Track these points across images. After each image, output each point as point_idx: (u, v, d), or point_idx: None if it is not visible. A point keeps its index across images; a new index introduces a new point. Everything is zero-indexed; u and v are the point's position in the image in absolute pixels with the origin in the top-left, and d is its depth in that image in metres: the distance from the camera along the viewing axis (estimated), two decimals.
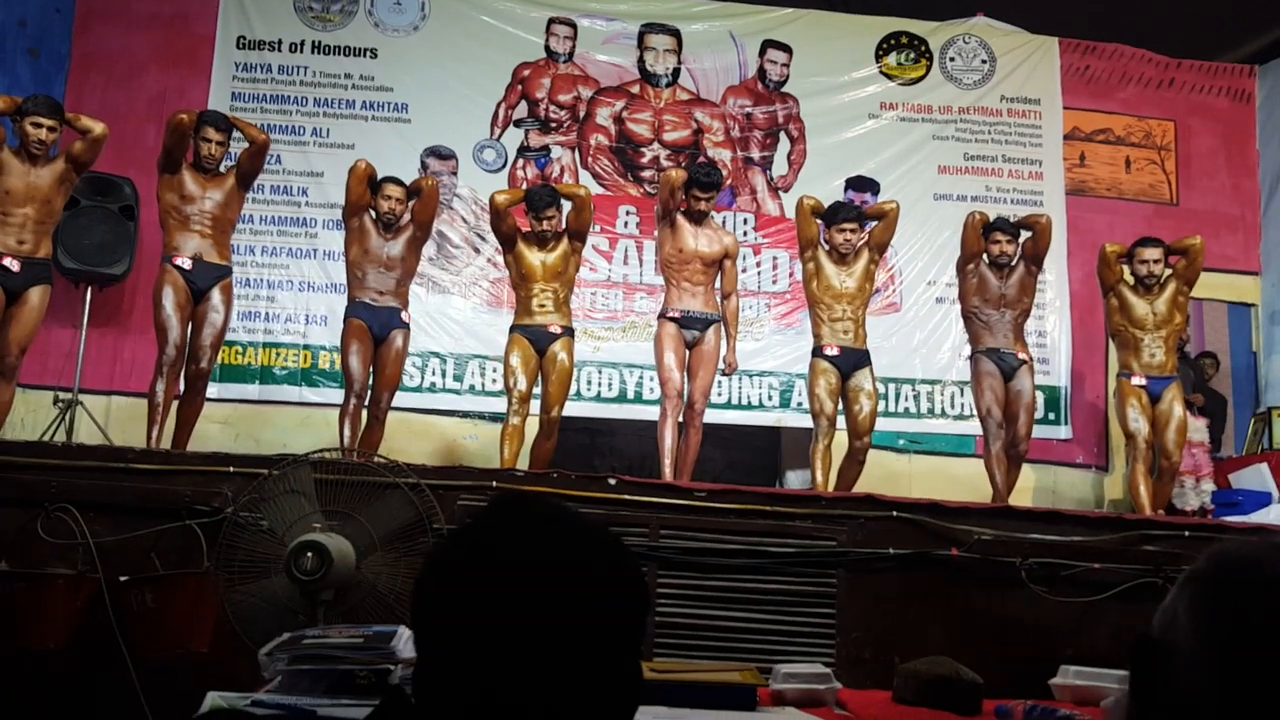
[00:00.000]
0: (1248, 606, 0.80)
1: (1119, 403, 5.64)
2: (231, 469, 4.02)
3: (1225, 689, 0.79)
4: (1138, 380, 5.54)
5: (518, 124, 7.44)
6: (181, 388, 5.12)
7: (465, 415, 6.98)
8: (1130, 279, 5.58)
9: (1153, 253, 5.52)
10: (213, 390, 5.72)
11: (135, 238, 6.30)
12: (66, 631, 3.60)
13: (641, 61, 7.66)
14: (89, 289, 6.23)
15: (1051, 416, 7.40)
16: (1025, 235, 5.62)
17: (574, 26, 7.61)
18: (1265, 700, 0.77)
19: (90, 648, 3.67)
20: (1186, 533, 4.51)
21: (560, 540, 0.95)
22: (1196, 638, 0.82)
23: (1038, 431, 6.15)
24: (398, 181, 5.33)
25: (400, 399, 5.59)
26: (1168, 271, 5.55)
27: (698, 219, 5.42)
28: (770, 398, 7.23)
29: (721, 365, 5.47)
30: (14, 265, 4.72)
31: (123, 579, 3.70)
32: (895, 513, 4.31)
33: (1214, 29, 7.94)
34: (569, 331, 5.38)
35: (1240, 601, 0.81)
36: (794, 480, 7.10)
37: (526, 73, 7.51)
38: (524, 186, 6.85)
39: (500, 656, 0.89)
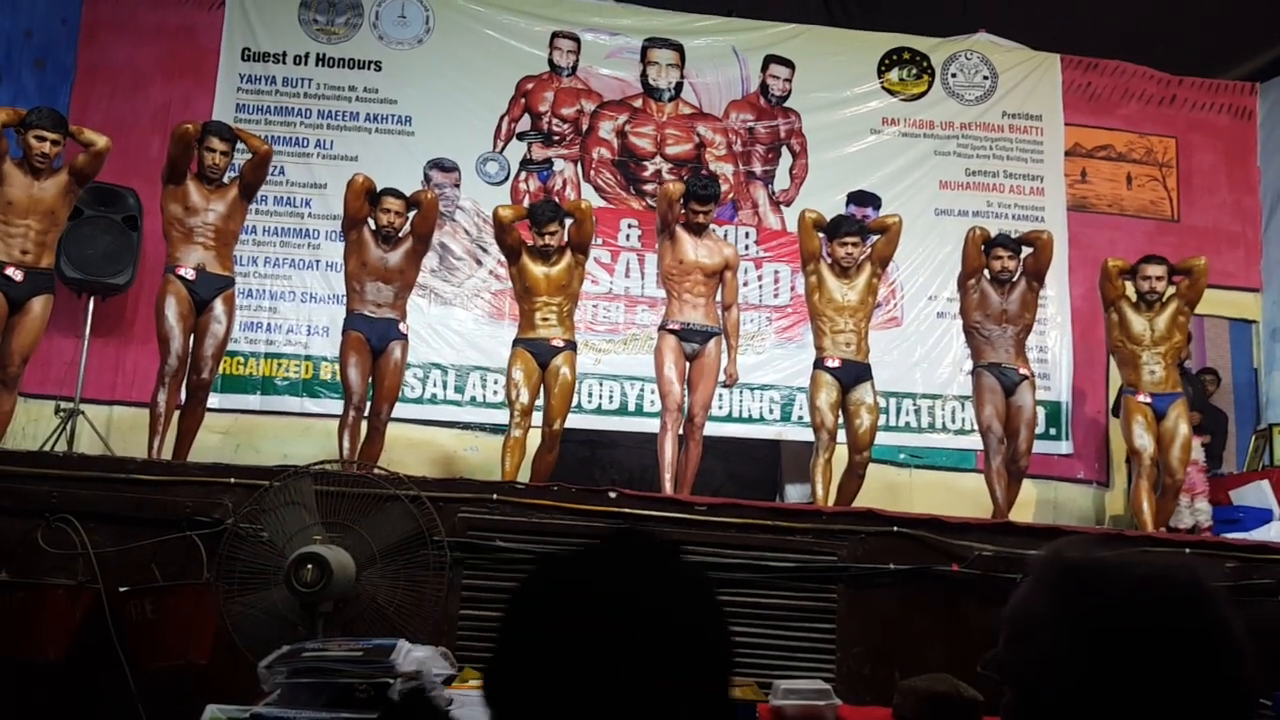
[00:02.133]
0: (1099, 589, 0.99)
1: (1125, 419, 5.63)
2: (232, 480, 4.02)
3: (1084, 659, 0.96)
4: (1143, 397, 5.54)
5: (520, 137, 7.46)
6: (183, 398, 5.13)
7: (466, 427, 6.98)
8: (1132, 295, 5.59)
9: (1156, 270, 5.53)
10: (214, 400, 5.73)
11: (138, 248, 6.31)
12: (66, 642, 3.59)
13: (644, 75, 7.69)
14: (91, 299, 6.24)
15: (1053, 432, 7.40)
16: (1027, 251, 5.63)
17: (577, 40, 7.64)
18: (1117, 669, 0.94)
19: (90, 658, 3.66)
20: (1188, 550, 4.50)
21: (659, 584, 0.97)
22: (1058, 620, 1.00)
23: (1039, 447, 6.15)
24: (397, 194, 5.34)
25: (401, 410, 5.59)
26: (1170, 290, 5.56)
27: (697, 231, 5.43)
28: (771, 411, 7.23)
29: (722, 377, 5.48)
30: (17, 275, 4.73)
31: (123, 589, 3.70)
32: (896, 528, 4.31)
33: (1215, 46, 7.97)
34: (571, 345, 5.38)
35: (1092, 585, 1.00)
36: (793, 494, 7.09)
37: (530, 86, 7.53)
38: (526, 200, 6.87)
39: (581, 690, 0.90)
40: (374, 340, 5.31)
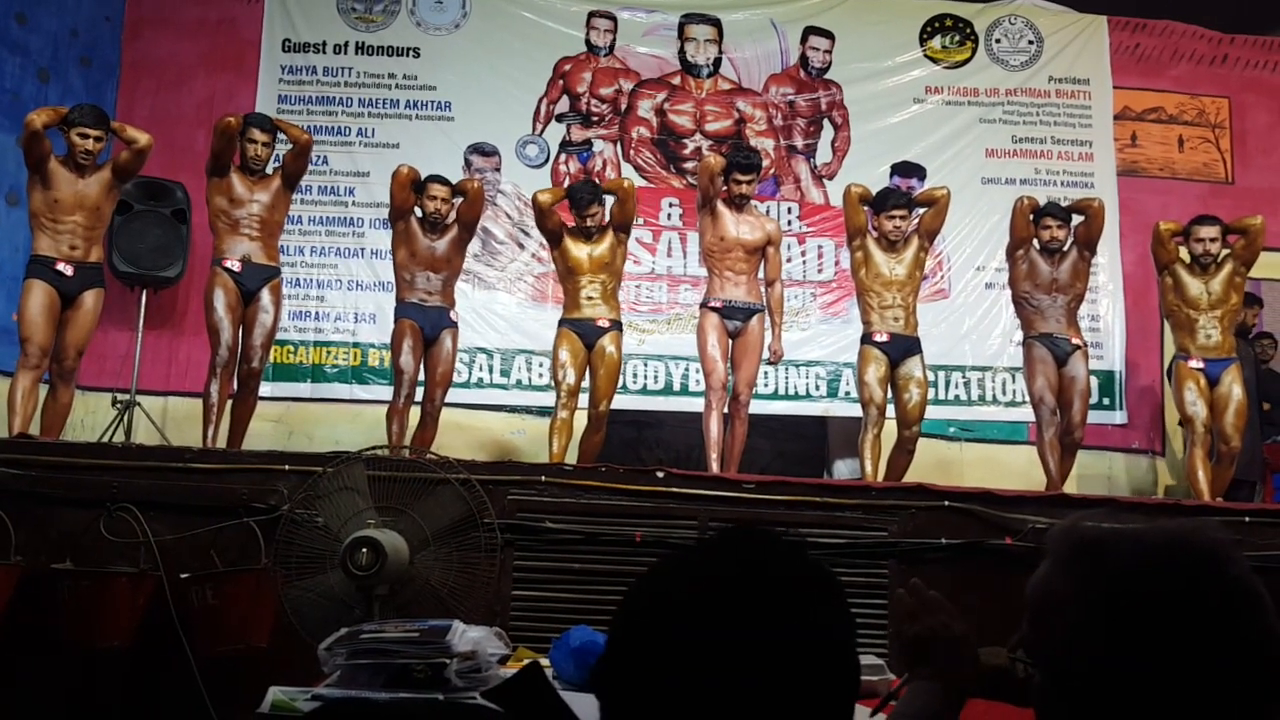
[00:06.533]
0: (1112, 560, 0.98)
1: (1176, 386, 5.53)
2: (286, 467, 4.09)
3: (1101, 634, 0.95)
4: (1195, 363, 5.42)
5: (560, 119, 7.46)
6: (235, 387, 5.21)
7: (513, 410, 7.02)
8: (1186, 258, 5.47)
9: (1209, 231, 5.40)
10: (265, 389, 5.81)
11: (188, 241, 6.40)
12: (132, 629, 3.68)
13: (682, 52, 7.63)
14: (144, 292, 6.34)
15: (1106, 402, 7.27)
16: (1077, 220, 5.52)
17: (614, 19, 7.60)
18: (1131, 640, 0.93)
19: (152, 644, 3.74)
20: (1246, 518, 4.41)
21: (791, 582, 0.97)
22: (1074, 596, 0.98)
23: (1092, 417, 6.04)
24: (443, 180, 5.38)
25: (448, 394, 5.64)
26: (1225, 251, 5.43)
27: (739, 205, 5.40)
28: (817, 387, 7.18)
29: (767, 354, 5.45)
30: (67, 270, 4.84)
31: (183, 576, 3.77)
32: (947, 502, 4.27)
33: (1268, 2, 7.73)
34: (617, 325, 5.39)
35: (1106, 556, 0.99)
36: (841, 470, 7.06)
37: (567, 67, 7.52)
38: (566, 182, 6.86)
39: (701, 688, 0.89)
40: (427, 329, 5.37)
